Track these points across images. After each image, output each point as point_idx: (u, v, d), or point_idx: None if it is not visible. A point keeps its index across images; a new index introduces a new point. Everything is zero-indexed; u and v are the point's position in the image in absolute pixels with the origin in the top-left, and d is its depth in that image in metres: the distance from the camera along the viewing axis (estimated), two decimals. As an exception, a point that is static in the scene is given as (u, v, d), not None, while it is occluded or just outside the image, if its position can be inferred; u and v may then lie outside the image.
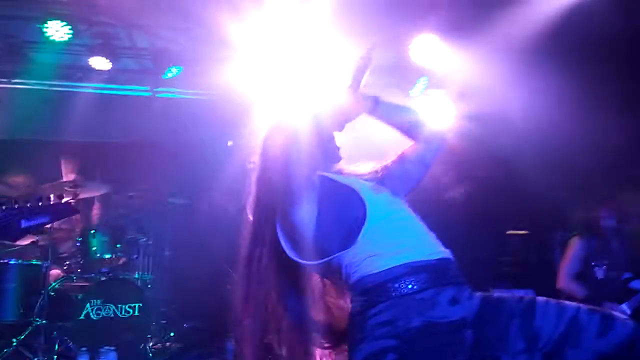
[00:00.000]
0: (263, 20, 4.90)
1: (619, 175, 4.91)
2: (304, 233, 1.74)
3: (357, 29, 4.94)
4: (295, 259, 1.79)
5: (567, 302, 1.70)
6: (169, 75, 5.82)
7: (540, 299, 1.72)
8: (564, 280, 4.22)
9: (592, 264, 4.19)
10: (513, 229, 6.21)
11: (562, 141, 5.09)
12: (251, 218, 1.94)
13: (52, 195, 4.65)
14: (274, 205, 1.84)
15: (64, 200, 4.45)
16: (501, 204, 5.92)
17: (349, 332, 1.70)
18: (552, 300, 1.71)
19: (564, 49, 4.82)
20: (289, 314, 1.86)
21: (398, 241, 1.68)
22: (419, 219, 1.82)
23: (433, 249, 1.72)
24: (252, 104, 5.80)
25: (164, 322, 5.25)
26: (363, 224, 1.67)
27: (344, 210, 1.72)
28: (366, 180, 1.86)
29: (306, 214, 1.73)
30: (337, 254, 1.70)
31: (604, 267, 4.17)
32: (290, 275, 1.86)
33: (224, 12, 4.82)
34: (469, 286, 1.73)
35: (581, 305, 1.68)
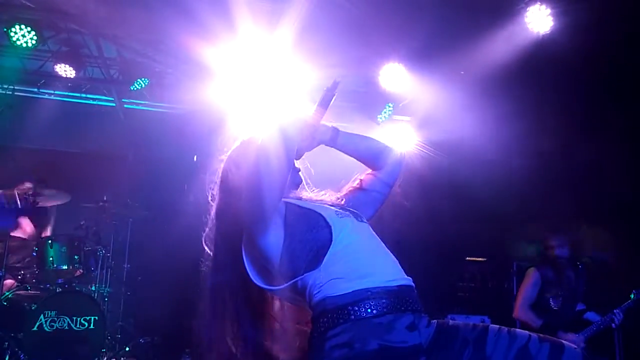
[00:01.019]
0: (234, 43, 4.95)
1: (580, 204, 5.07)
2: (271, 258, 1.75)
3: (326, 56, 5.07)
4: (262, 285, 1.79)
5: (519, 331, 1.74)
6: (137, 86, 5.78)
7: (493, 327, 1.77)
8: (519, 309, 4.27)
9: (547, 295, 4.28)
10: (471, 256, 6.34)
11: (522, 169, 5.27)
12: (210, 250, 1.94)
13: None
14: (237, 233, 1.83)
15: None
16: (460, 231, 6.07)
17: (309, 352, 1.72)
18: (505, 329, 1.76)
19: (525, 77, 5.03)
20: (247, 345, 1.86)
21: (361, 266, 1.71)
22: (382, 244, 1.85)
23: (395, 275, 1.75)
24: (219, 120, 5.84)
25: (119, 336, 5.16)
26: (329, 247, 1.70)
27: (311, 233, 1.74)
28: (329, 205, 1.89)
29: (273, 239, 1.74)
30: (303, 275, 1.72)
31: (560, 298, 4.25)
32: (252, 305, 1.87)
33: (192, 30, 4.86)
34: (427, 314, 1.78)
35: (532, 334, 1.73)
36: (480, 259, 6.32)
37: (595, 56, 4.52)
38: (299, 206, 1.82)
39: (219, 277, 1.88)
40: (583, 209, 5.01)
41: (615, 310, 4.13)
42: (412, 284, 1.78)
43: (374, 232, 1.88)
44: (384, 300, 1.65)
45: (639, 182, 4.89)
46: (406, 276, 1.79)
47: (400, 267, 1.80)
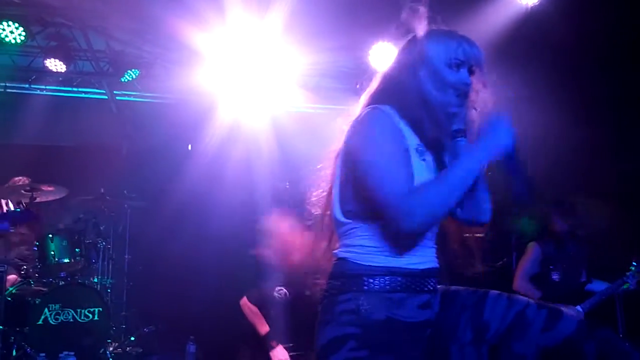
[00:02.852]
0: (223, 28, 4.94)
1: (576, 178, 5.10)
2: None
3: (314, 37, 5.07)
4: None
5: (518, 297, 1.76)
6: (128, 78, 5.77)
7: (493, 292, 1.78)
8: (519, 281, 4.29)
9: (550, 267, 4.28)
10: (470, 233, 6.35)
11: (518, 145, 5.27)
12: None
13: (9, 202, 4.63)
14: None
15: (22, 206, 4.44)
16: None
17: (320, 310, 1.74)
18: (505, 294, 1.77)
19: (519, 54, 5.03)
20: None
21: (402, 250, 1.69)
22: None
23: (422, 259, 1.73)
24: (211, 107, 5.86)
25: (124, 326, 5.20)
26: None
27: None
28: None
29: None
30: (352, 219, 1.70)
31: (561, 271, 4.27)
32: None
33: (182, 16, 4.84)
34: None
35: (532, 301, 1.74)
36: (479, 234, 6.34)
37: (585, 28, 4.52)
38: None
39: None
40: (580, 183, 5.04)
41: (617, 281, 4.13)
42: (437, 265, 1.78)
43: None
44: (399, 278, 1.66)
45: (632, 154, 4.93)
46: (434, 257, 1.78)
47: (433, 246, 1.79)
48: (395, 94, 1.75)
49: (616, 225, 4.76)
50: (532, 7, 4.43)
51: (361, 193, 1.68)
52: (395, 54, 1.85)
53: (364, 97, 1.86)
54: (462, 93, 1.73)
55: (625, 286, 4.15)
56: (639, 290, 4.22)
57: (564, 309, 1.74)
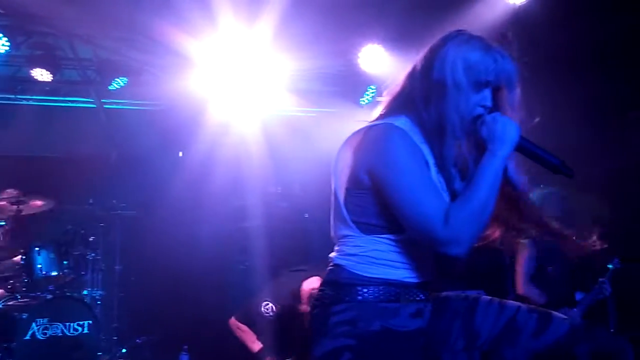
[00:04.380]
0: (212, 34, 4.88)
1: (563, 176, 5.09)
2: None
3: (304, 42, 5.02)
4: None
5: (509, 302, 1.76)
6: (115, 86, 5.71)
7: (485, 298, 1.78)
8: (522, 285, 4.14)
9: (544, 264, 4.18)
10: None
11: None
12: None
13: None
14: None
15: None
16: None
17: (311, 320, 1.73)
18: (496, 300, 1.77)
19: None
20: None
21: (400, 263, 1.67)
22: None
23: (421, 272, 1.71)
24: (202, 114, 5.80)
25: (115, 338, 5.12)
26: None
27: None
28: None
29: None
30: (357, 229, 1.67)
31: (557, 265, 4.15)
32: None
33: (171, 22, 4.79)
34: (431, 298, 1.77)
35: (522, 305, 1.74)
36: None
37: (572, 27, 4.50)
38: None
39: None
40: (567, 182, 5.01)
41: (600, 280, 4.10)
42: (432, 278, 1.76)
43: None
44: (394, 289, 1.65)
45: (618, 153, 4.93)
46: (431, 272, 1.75)
47: (432, 262, 1.75)
48: (416, 105, 1.68)
49: (602, 222, 4.74)
50: (519, 6, 4.40)
51: (378, 209, 1.64)
52: (422, 59, 1.73)
53: (382, 105, 1.81)
54: (477, 115, 1.67)
55: (601, 296, 4.14)
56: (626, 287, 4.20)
57: (553, 312, 1.74)
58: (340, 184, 1.72)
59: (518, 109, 1.73)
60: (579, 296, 4.21)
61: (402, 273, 1.67)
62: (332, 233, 1.76)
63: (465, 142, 1.73)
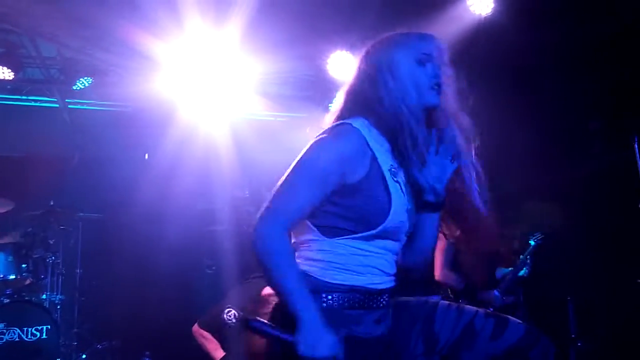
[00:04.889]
0: (180, 35, 4.84)
1: (528, 184, 5.18)
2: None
3: (273, 46, 5.01)
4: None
5: (467, 307, 1.79)
6: (80, 86, 5.60)
7: (443, 303, 1.81)
8: (440, 272, 4.05)
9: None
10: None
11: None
12: None
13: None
14: None
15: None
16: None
17: (277, 325, 1.67)
18: (454, 305, 1.80)
19: (469, 60, 5.08)
20: None
21: (364, 267, 1.66)
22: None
23: (384, 279, 1.71)
24: (169, 116, 5.73)
25: (75, 343, 5.01)
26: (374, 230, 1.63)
27: (363, 209, 1.64)
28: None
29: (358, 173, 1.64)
30: (319, 234, 1.65)
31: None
32: None
33: (138, 24, 4.73)
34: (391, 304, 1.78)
35: (479, 310, 1.78)
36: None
37: (536, 37, 4.60)
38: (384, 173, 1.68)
39: None
40: (532, 189, 5.12)
41: (521, 257, 4.16)
42: (394, 283, 1.76)
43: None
44: (358, 295, 1.64)
45: (583, 160, 5.05)
46: (393, 277, 1.75)
47: (394, 264, 1.75)
48: (369, 105, 1.70)
49: (566, 228, 4.85)
50: (485, 17, 4.48)
51: (340, 211, 1.64)
52: (358, 64, 1.78)
53: (334, 110, 1.80)
54: (436, 85, 1.70)
55: (522, 272, 4.16)
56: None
57: (509, 317, 1.79)
58: None
59: (454, 82, 1.78)
60: (499, 274, 4.22)
61: (367, 279, 1.66)
62: (293, 238, 1.73)
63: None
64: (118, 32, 4.95)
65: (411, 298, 1.84)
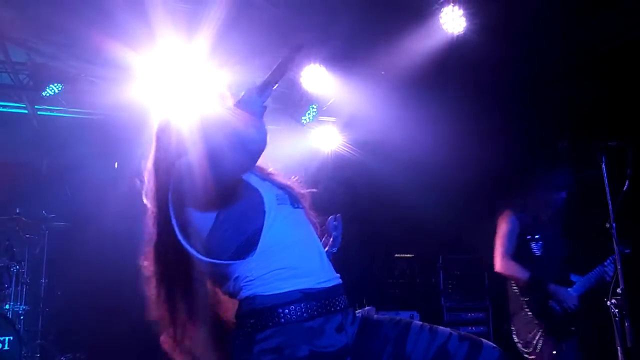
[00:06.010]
0: (152, 44, 4.81)
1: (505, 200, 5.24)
2: (199, 230, 1.67)
3: (245, 58, 5.02)
4: (187, 247, 1.70)
5: (440, 329, 1.77)
6: (50, 92, 5.52)
7: (416, 324, 1.78)
8: (501, 262, 3.63)
9: (527, 240, 3.66)
10: (399, 253, 6.43)
11: (444, 167, 5.42)
12: (152, 206, 1.88)
13: None
14: (165, 189, 1.78)
15: None
16: (387, 228, 6.16)
17: (234, 352, 1.66)
18: (427, 326, 1.78)
19: (442, 77, 5.17)
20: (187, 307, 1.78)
21: (296, 263, 1.66)
22: (314, 233, 1.80)
23: (327, 275, 1.72)
24: (140, 125, 5.65)
25: (38, 355, 4.90)
26: (259, 236, 1.63)
27: (246, 216, 1.66)
28: (274, 185, 1.79)
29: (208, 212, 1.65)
30: (230, 262, 1.64)
31: (541, 242, 3.66)
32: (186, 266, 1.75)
33: (110, 33, 4.69)
34: (352, 308, 1.78)
35: (454, 332, 1.76)
36: (408, 255, 6.43)
37: (505, 57, 4.70)
38: (246, 181, 1.71)
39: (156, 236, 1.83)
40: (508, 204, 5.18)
41: (605, 262, 3.62)
42: (340, 281, 1.76)
43: (307, 219, 1.82)
44: (314, 302, 1.62)
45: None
46: (335, 273, 1.77)
47: (329, 262, 1.78)
48: None
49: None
50: (457, 36, 4.56)
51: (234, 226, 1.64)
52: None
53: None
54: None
55: (606, 276, 3.60)
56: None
57: (483, 340, 1.75)
58: None
59: None
60: (574, 278, 3.73)
61: (315, 279, 1.66)
62: (228, 297, 1.72)
63: None
64: (91, 40, 4.90)
65: (384, 316, 1.83)
